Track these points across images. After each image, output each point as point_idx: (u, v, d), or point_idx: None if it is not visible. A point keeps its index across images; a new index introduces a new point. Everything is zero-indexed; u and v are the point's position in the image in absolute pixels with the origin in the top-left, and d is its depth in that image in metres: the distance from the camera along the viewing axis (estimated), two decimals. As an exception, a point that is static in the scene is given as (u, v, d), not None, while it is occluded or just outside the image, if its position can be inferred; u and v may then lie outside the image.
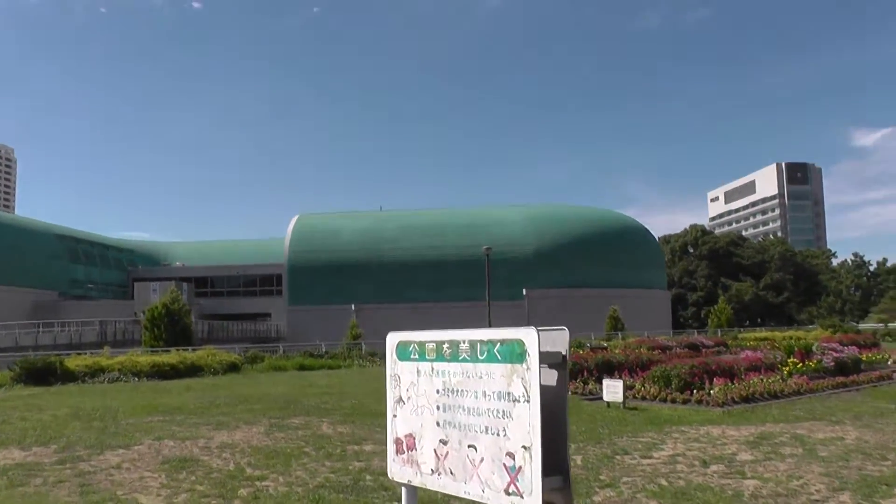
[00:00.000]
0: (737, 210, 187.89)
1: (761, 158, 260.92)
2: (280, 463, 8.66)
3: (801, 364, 17.57)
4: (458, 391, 2.98)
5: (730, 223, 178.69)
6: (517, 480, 2.65)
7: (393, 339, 3.49)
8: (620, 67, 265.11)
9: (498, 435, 2.77)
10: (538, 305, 56.94)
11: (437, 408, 3.09)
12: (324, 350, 34.66)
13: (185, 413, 14.01)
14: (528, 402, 2.62)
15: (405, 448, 3.26)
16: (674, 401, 13.83)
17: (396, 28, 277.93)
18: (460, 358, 2.98)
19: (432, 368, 3.14)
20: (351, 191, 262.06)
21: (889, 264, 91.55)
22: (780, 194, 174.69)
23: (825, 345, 20.17)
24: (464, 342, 2.97)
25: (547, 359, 2.72)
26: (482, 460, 2.83)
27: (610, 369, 16.63)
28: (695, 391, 14.04)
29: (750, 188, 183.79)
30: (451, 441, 3.00)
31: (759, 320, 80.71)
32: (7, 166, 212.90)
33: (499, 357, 2.78)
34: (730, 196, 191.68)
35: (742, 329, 57.22)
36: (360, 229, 63.08)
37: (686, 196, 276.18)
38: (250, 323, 59.94)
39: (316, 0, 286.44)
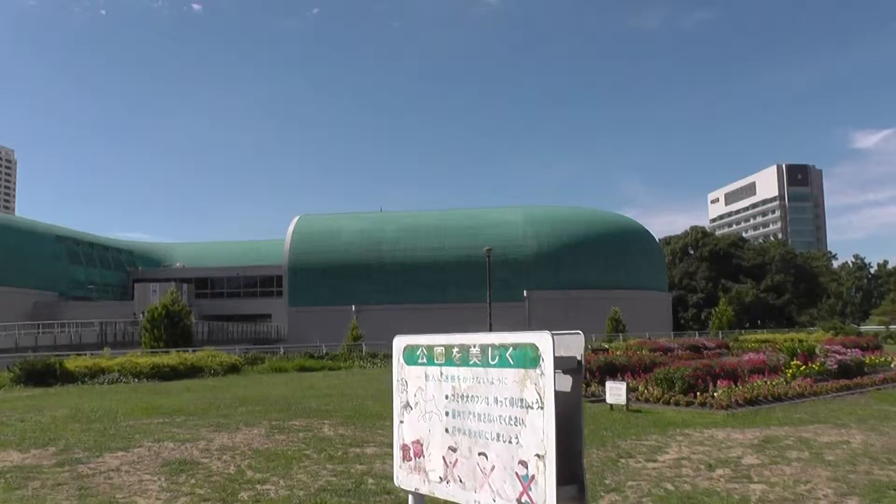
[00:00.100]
0: (737, 212, 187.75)
1: (762, 160, 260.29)
2: (281, 466, 8.58)
3: (804, 366, 17.49)
4: (467, 397, 2.89)
5: (730, 225, 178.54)
6: (530, 490, 2.55)
7: (400, 342, 3.39)
8: (620, 68, 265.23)
9: (510, 442, 2.67)
10: (538, 307, 56.87)
11: (446, 414, 3.00)
12: (324, 351, 34.58)
13: (185, 415, 13.93)
14: (542, 408, 2.52)
15: (412, 455, 3.17)
16: (677, 403, 13.74)
17: (396, 29, 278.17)
18: (470, 362, 2.88)
19: (441, 373, 3.05)
20: (351, 192, 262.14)
21: (890, 266, 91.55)
22: (781, 196, 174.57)
23: (828, 347, 20.07)
24: (474, 346, 2.87)
25: (561, 364, 2.63)
26: (493, 468, 2.74)
27: (612, 371, 16.54)
28: (698, 393, 13.95)
29: (750, 190, 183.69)
30: (461, 448, 2.90)
31: (759, 322, 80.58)
32: (7, 167, 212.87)
33: (511, 362, 2.69)
34: (730, 198, 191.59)
35: (743, 331, 57.11)
36: (360, 230, 63.00)
37: (686, 197, 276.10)
38: (250, 324, 59.81)
39: (316, 1, 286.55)
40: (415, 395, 3.23)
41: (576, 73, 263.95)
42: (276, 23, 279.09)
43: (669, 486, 7.31)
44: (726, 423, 11.76)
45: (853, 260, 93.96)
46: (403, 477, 3.25)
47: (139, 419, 13.32)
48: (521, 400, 2.64)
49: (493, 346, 2.79)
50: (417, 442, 3.16)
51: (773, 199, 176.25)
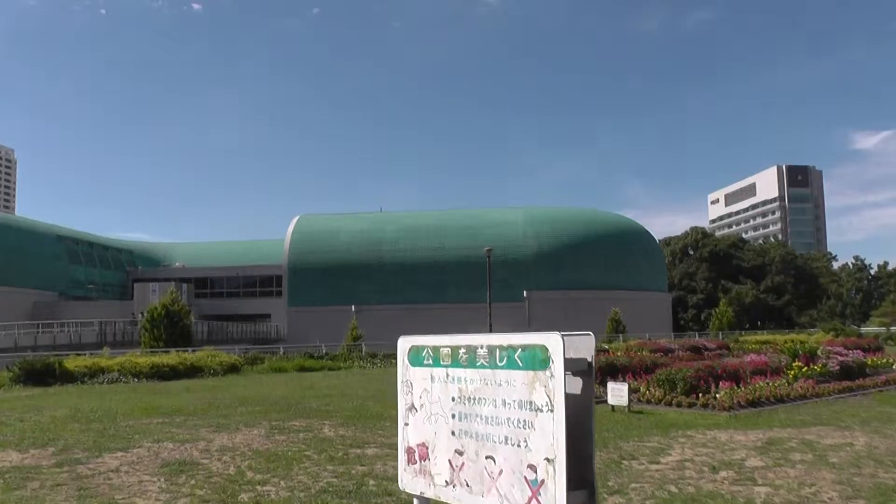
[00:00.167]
0: (737, 212, 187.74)
1: (762, 161, 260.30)
2: (281, 467, 8.52)
3: (806, 368, 17.43)
4: (475, 399, 2.83)
5: (730, 225, 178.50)
6: (539, 495, 2.49)
7: (405, 343, 3.33)
8: (620, 69, 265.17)
9: (519, 446, 2.61)
10: (538, 307, 56.82)
11: (453, 416, 2.94)
12: (324, 351, 34.50)
13: (185, 415, 13.87)
14: (552, 411, 2.46)
15: (417, 458, 3.10)
16: (679, 404, 13.68)
17: (396, 29, 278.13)
18: (478, 364, 2.82)
19: (447, 375, 2.99)
20: (351, 192, 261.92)
21: (890, 268, 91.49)
22: (781, 197, 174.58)
23: (830, 348, 20.02)
24: (481, 347, 2.81)
25: (571, 366, 2.57)
26: (501, 472, 2.68)
27: (613, 372, 16.46)
28: (700, 395, 13.89)
29: (750, 191, 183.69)
30: (468, 451, 2.84)
31: (759, 323, 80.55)
32: (7, 167, 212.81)
33: (520, 363, 2.62)
34: (730, 198, 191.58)
35: (743, 332, 57.06)
36: (360, 230, 62.95)
37: (686, 198, 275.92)
38: (250, 324, 59.74)
39: (316, 1, 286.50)
40: (420, 397, 3.17)
41: (576, 73, 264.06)
42: (276, 23, 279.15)
43: (673, 489, 7.26)
44: (729, 424, 11.71)
45: (853, 261, 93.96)
46: (408, 480, 3.19)
47: (139, 419, 13.26)
48: (531, 402, 2.58)
49: (501, 348, 2.73)
50: (423, 445, 3.10)
51: (773, 200, 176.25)
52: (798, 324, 76.75)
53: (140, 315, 41.77)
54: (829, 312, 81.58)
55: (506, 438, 2.69)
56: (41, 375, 22.42)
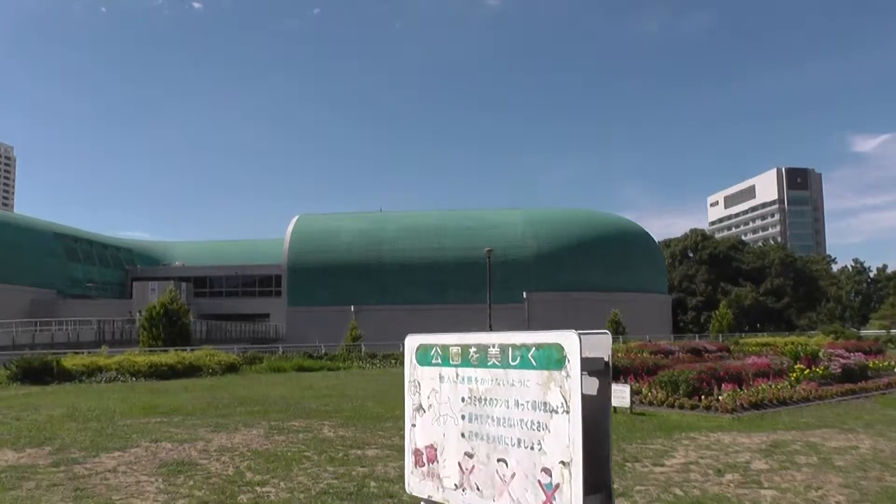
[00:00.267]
0: (736, 215, 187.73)
1: (761, 163, 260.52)
2: (281, 467, 8.42)
3: (808, 370, 17.33)
4: (486, 400, 2.73)
5: (729, 228, 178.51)
6: (554, 499, 2.40)
7: (413, 341, 3.22)
8: (620, 71, 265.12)
9: (532, 449, 2.51)
10: (538, 308, 56.72)
11: (463, 417, 2.83)
12: (323, 351, 34.39)
13: (183, 414, 13.78)
14: (568, 412, 2.36)
15: (425, 460, 3.00)
16: (682, 406, 13.59)
17: (397, 30, 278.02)
18: (489, 363, 2.72)
19: (457, 374, 2.88)
20: (351, 192, 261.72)
21: (889, 271, 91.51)
22: (780, 199, 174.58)
23: (831, 351, 19.92)
24: (493, 346, 2.71)
25: (587, 365, 2.47)
26: (514, 476, 2.58)
27: (615, 373, 16.37)
28: (703, 397, 13.80)
29: (750, 193, 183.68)
30: (478, 454, 2.74)
31: (758, 325, 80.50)
32: (7, 164, 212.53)
33: (534, 363, 2.52)
34: (729, 201, 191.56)
35: (743, 334, 56.99)
36: (359, 230, 62.84)
37: (686, 200, 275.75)
38: (249, 323, 59.63)
39: (316, 1, 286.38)
40: (428, 398, 3.07)
41: (576, 74, 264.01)
42: (276, 23, 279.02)
43: (678, 492, 7.17)
44: (732, 426, 11.62)
45: (852, 264, 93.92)
46: (415, 483, 3.09)
47: (136, 418, 13.16)
48: (545, 403, 2.48)
49: (514, 347, 2.63)
50: (431, 447, 2.99)
51: (772, 203, 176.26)
52: (798, 326, 76.72)
53: (138, 314, 41.64)
54: (829, 315, 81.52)
55: (519, 441, 2.59)
56: (39, 374, 22.33)
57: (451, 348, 2.94)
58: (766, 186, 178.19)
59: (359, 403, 15.52)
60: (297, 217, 64.94)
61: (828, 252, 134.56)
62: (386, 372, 28.00)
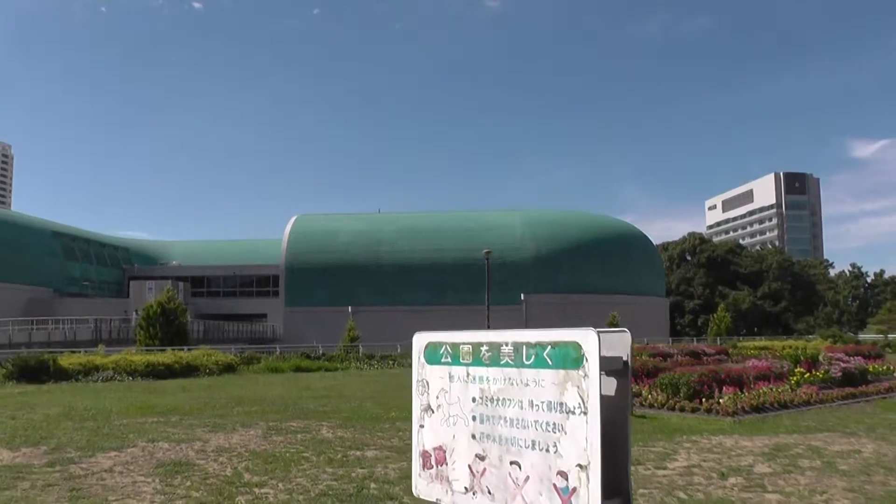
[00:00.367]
0: (734, 219, 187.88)
1: (759, 168, 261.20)
2: (279, 468, 8.32)
3: (808, 374, 17.27)
4: (498, 400, 2.63)
5: (727, 231, 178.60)
6: (570, 503, 2.30)
7: (421, 339, 3.12)
8: (620, 74, 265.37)
9: (548, 451, 2.41)
10: (536, 310, 56.61)
11: (473, 418, 2.74)
12: (321, 352, 34.25)
13: (181, 414, 13.66)
14: (586, 413, 2.27)
15: (434, 462, 2.90)
16: (682, 409, 13.50)
17: (397, 31, 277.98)
18: (502, 362, 2.62)
19: (468, 374, 2.78)
20: (349, 192, 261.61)
21: (886, 276, 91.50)
22: (778, 204, 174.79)
23: (831, 355, 19.85)
24: (506, 344, 2.61)
25: (605, 365, 2.37)
26: (527, 479, 2.48)
27: (615, 376, 16.29)
28: (704, 400, 13.71)
29: (748, 197, 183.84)
30: (490, 456, 2.64)
31: (755, 329, 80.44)
32: (4, 162, 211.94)
33: (549, 362, 2.42)
34: (728, 204, 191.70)
35: (740, 338, 56.95)
36: (357, 231, 62.70)
37: (684, 204, 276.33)
38: (246, 323, 59.45)
39: (316, 2, 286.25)
40: (437, 398, 2.97)
41: (575, 76, 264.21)
42: (276, 23, 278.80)
43: (682, 495, 7.08)
44: (734, 430, 11.54)
45: (850, 269, 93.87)
46: (423, 486, 2.99)
47: (133, 418, 13.04)
48: (561, 404, 2.38)
49: (529, 345, 2.53)
50: (440, 448, 2.90)
51: (770, 207, 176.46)
52: (795, 330, 76.72)
53: (135, 313, 41.48)
54: (826, 319, 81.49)
55: (533, 443, 2.49)
56: (35, 372, 22.19)
57: (461, 346, 2.84)
58: (765, 191, 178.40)
59: (357, 404, 15.41)
60: (295, 217, 64.79)
61: (825, 257, 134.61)
62: (384, 373, 27.89)
